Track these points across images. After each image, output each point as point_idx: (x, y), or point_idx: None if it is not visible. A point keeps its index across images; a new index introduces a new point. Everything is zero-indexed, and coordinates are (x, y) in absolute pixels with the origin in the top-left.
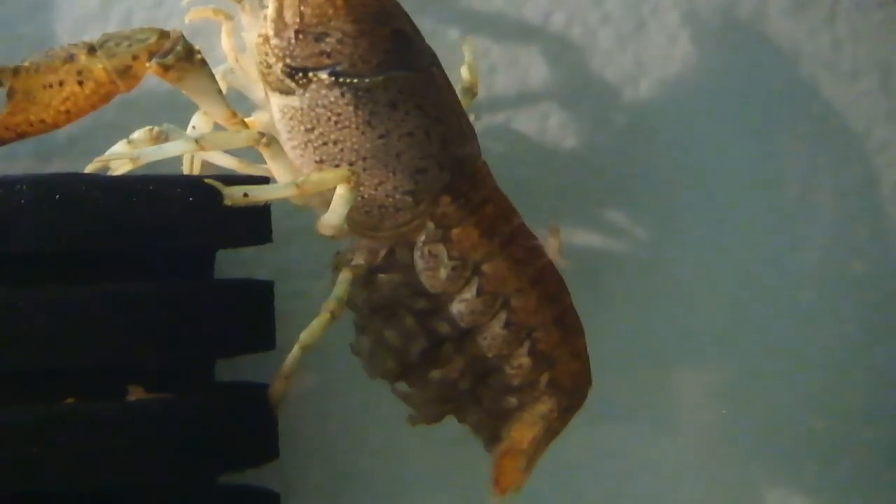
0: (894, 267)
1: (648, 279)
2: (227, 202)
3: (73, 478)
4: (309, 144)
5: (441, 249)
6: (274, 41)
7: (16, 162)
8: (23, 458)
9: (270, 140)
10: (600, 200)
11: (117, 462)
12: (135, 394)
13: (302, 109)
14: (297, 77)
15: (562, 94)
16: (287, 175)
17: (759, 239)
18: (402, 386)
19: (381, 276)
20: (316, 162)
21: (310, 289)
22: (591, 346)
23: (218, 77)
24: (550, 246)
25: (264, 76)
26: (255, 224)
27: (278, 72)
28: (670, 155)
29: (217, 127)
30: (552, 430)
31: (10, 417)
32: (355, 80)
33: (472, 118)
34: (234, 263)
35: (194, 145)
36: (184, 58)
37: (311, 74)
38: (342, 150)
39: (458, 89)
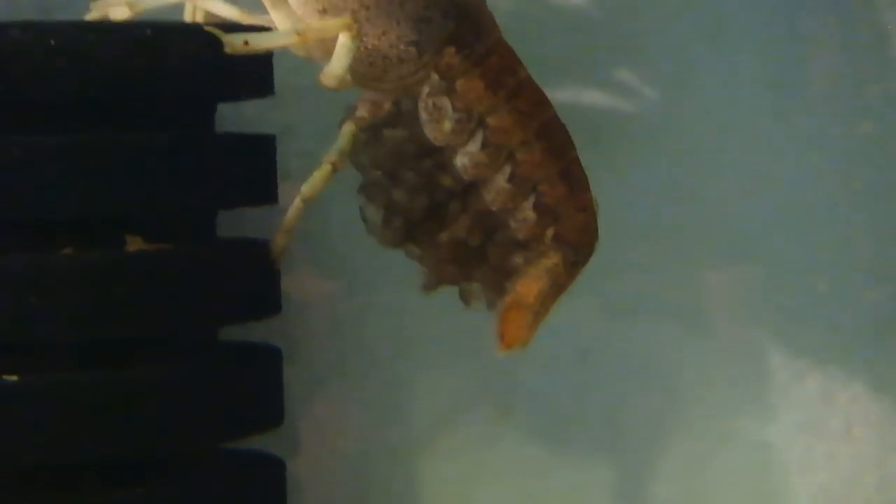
0: None
1: (656, 138)
2: (228, 50)
3: (70, 327)
4: None
5: (445, 101)
6: None
7: (18, 16)
8: (20, 307)
9: None
10: (609, 58)
11: (114, 311)
12: (133, 244)
13: None
14: None
15: None
16: (289, 26)
17: (768, 97)
18: (414, 249)
19: (386, 130)
20: (318, 11)
21: (315, 148)
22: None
23: None
24: None
25: None
26: (257, 75)
27: None
28: (681, 12)
29: None
30: (558, 284)
31: (7, 266)
32: None
33: None
34: (236, 122)
35: None
36: None
37: None
38: None
39: None
